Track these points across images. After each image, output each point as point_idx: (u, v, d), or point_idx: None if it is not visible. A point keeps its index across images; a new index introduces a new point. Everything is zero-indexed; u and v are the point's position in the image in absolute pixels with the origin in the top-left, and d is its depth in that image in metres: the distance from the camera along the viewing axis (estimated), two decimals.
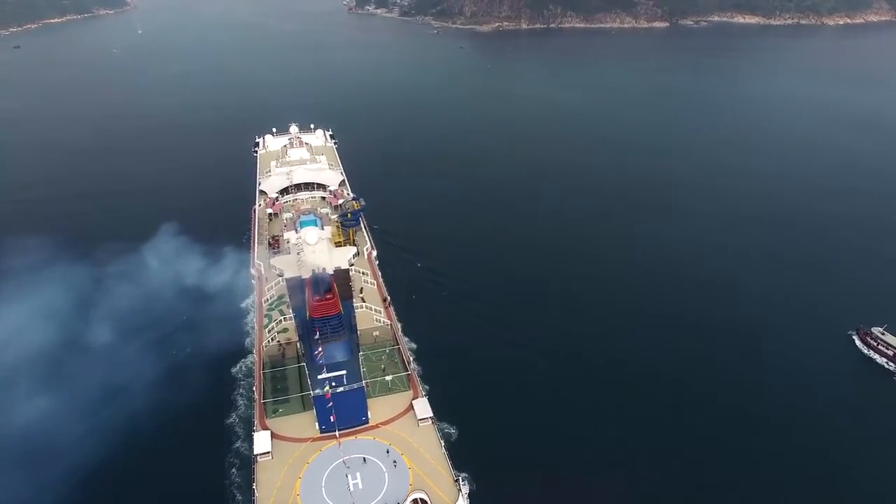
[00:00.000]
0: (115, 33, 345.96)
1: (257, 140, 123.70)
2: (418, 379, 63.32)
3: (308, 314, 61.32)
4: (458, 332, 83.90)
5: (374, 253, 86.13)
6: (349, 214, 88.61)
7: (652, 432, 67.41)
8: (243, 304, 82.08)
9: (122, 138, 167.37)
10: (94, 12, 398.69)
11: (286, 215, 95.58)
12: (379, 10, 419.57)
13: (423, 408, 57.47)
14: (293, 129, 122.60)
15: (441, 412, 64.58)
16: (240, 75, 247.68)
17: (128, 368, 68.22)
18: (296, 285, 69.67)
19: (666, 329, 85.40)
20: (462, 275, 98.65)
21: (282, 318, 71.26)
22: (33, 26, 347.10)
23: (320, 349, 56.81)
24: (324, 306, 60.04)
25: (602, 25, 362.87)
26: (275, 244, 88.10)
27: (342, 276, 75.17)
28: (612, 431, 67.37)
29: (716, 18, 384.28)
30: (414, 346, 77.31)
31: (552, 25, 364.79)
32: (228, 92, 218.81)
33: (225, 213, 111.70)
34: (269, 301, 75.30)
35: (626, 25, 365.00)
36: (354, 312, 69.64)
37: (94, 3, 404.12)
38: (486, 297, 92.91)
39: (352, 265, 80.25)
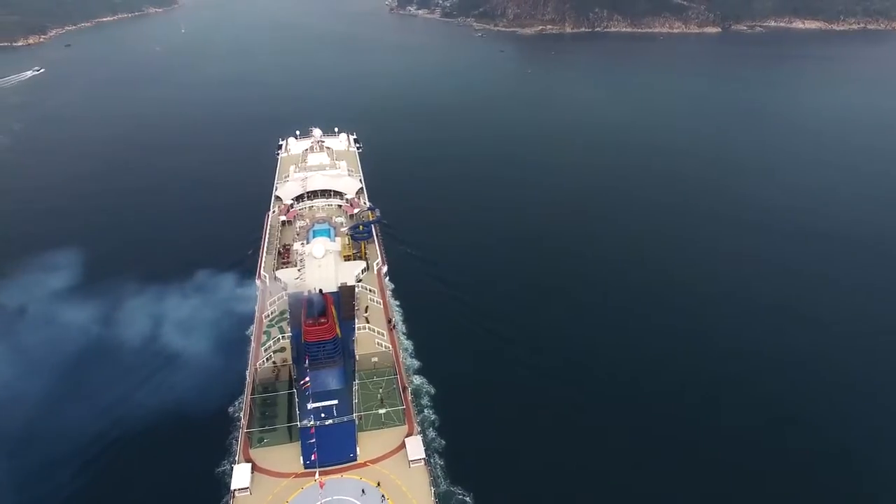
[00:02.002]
0: (160, 32, 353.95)
1: (281, 142, 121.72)
2: (415, 413, 58.54)
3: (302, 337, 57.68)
4: (486, 370, 73.81)
5: (385, 269, 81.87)
6: (361, 227, 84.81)
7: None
8: (249, 331, 74.03)
9: (152, 138, 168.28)
10: (144, 11, 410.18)
11: (300, 223, 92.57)
12: (420, 11, 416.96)
13: (415, 447, 52.66)
14: (316, 132, 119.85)
15: (456, 474, 58.42)
16: (275, 75, 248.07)
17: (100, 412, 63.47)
18: (297, 302, 66.09)
19: (734, 366, 76.16)
20: (493, 299, 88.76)
21: (281, 336, 67.47)
22: (87, 25, 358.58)
23: (307, 379, 52.71)
24: (317, 331, 56.07)
25: (650, 30, 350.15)
26: (285, 254, 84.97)
27: (347, 294, 71.55)
28: None
29: (772, 23, 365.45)
30: (433, 389, 69.22)
31: (597, 29, 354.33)
32: (262, 92, 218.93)
33: (243, 219, 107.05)
34: (271, 317, 71.76)
35: (675, 30, 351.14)
36: (355, 335, 65.75)
37: (145, 2, 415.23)
38: (521, 327, 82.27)
39: (359, 281, 76.30)
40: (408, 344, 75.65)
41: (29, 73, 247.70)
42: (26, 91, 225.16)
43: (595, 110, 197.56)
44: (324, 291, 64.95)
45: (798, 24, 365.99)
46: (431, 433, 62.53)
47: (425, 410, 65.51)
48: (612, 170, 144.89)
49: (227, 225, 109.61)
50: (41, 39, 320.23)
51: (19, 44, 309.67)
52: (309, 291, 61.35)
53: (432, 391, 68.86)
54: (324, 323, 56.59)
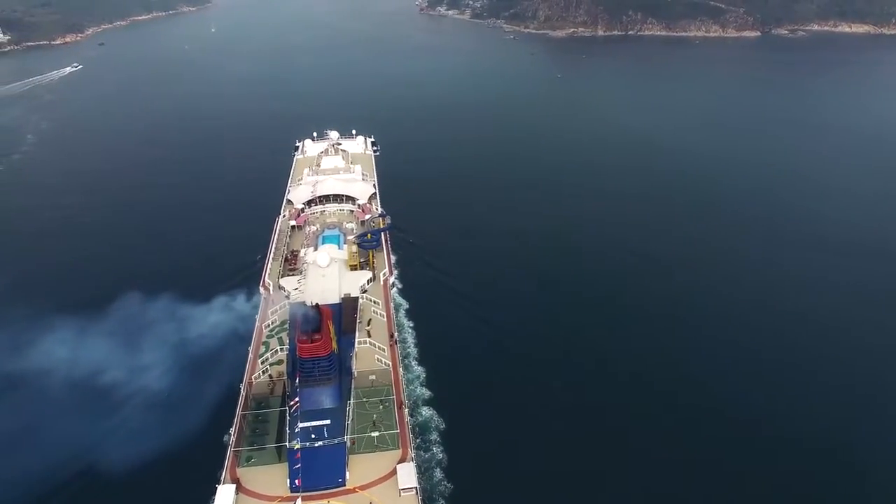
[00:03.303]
0: (191, 31, 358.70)
1: (297, 144, 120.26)
2: (410, 437, 55.30)
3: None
4: (505, 403, 67.25)
5: (392, 279, 78.96)
6: (369, 235, 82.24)
7: None
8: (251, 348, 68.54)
9: (169, 137, 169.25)
10: (178, 10, 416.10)
11: (310, 228, 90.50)
12: (450, 12, 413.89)
13: (407, 475, 49.56)
14: (333, 134, 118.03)
15: None
16: (298, 75, 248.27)
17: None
18: (298, 313, 63.70)
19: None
20: (518, 319, 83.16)
21: (279, 347, 65.22)
22: (122, 23, 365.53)
23: (296, 400, 50.11)
24: (310, 348, 53.43)
25: (685, 34, 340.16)
26: (292, 260, 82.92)
27: (349, 306, 69.02)
28: None
29: (815, 27, 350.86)
30: (443, 424, 63.75)
31: (630, 32, 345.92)
32: (284, 91, 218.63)
33: (256, 222, 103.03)
34: (271, 326, 69.60)
35: (711, 34, 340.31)
36: (355, 350, 63.11)
37: (179, 1, 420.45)
38: (547, 351, 75.92)
39: (364, 292, 73.64)
40: (419, 370, 70.83)
41: (68, 70, 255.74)
42: (59, 89, 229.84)
43: (626, 116, 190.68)
44: (323, 304, 62.32)
45: (844, 28, 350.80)
46: (438, 474, 57.73)
47: (433, 448, 60.65)
48: (642, 177, 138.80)
49: (240, 228, 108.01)
50: (78, 38, 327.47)
51: (57, 42, 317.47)
52: (305, 304, 58.64)
53: (442, 426, 63.20)
54: (318, 339, 53.83)
